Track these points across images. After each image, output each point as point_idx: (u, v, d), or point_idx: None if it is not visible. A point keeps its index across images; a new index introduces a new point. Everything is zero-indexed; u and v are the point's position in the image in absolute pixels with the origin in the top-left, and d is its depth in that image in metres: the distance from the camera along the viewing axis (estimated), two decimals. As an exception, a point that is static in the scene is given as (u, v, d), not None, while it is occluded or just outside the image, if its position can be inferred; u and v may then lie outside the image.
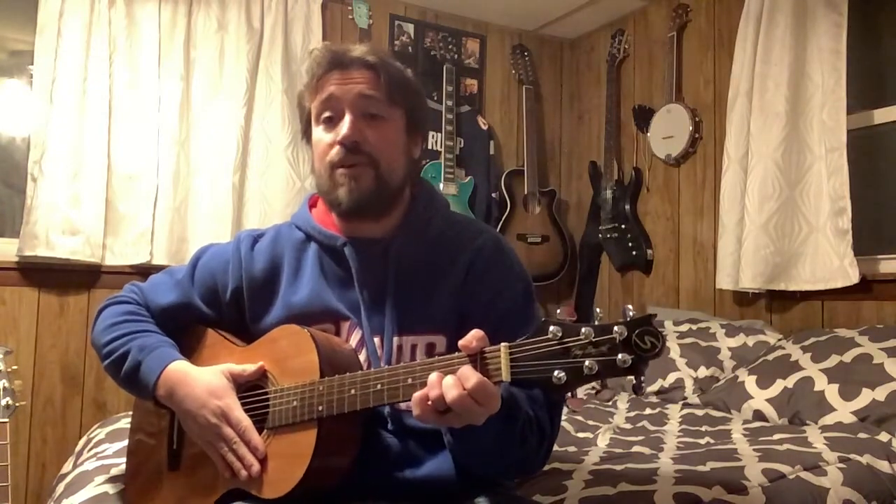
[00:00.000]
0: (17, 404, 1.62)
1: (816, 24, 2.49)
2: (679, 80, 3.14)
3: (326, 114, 1.16)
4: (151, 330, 1.21)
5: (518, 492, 1.31)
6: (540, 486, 1.37)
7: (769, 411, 2.11)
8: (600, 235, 3.36)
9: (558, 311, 0.87)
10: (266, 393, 1.11)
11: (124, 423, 1.65)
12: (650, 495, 1.32)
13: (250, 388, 1.13)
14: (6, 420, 1.60)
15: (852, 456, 1.62)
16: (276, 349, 1.13)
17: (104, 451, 1.62)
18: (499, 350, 0.89)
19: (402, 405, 1.07)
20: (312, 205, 1.29)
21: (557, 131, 3.80)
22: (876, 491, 1.54)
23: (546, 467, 1.42)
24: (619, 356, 0.80)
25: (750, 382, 2.23)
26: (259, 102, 2.98)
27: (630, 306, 0.85)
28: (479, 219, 3.32)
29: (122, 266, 2.74)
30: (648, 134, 3.23)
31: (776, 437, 1.81)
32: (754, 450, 1.66)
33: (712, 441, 1.84)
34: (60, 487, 1.50)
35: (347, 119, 1.14)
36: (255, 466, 1.05)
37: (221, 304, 1.25)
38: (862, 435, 1.77)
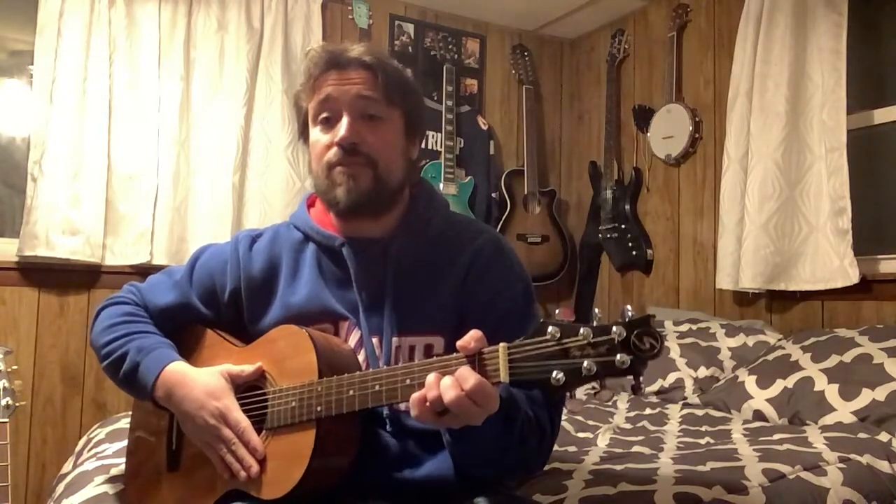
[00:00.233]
0: (17, 404, 1.62)
1: (816, 24, 2.49)
2: (679, 80, 3.14)
3: (324, 114, 1.16)
4: (150, 331, 1.21)
5: (518, 492, 1.31)
6: (540, 486, 1.37)
7: (769, 411, 2.11)
8: (600, 235, 3.36)
9: (557, 311, 0.87)
10: (265, 393, 1.11)
11: (124, 423, 1.65)
12: (650, 495, 1.32)
13: (249, 389, 1.13)
14: (6, 420, 1.60)
15: (852, 456, 1.62)
16: (274, 349, 1.13)
17: (104, 451, 1.62)
18: (497, 351, 0.89)
19: (401, 406, 1.07)
20: (311, 205, 1.29)
21: (557, 131, 3.80)
22: (876, 491, 1.54)
23: (546, 467, 1.42)
24: (618, 357, 0.80)
25: (750, 382, 2.23)
26: (259, 102, 2.98)
27: (629, 307, 0.85)
28: (479, 219, 3.32)
29: (122, 266, 2.74)
30: (648, 134, 3.23)
31: (776, 437, 1.81)
32: (754, 450, 1.66)
33: (712, 441, 1.84)
34: (60, 487, 1.50)
35: (345, 120, 1.14)
36: (255, 467, 1.05)
37: (220, 304, 1.25)
38: (862, 435, 1.77)
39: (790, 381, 2.12)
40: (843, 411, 1.94)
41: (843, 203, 2.36)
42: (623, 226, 3.29)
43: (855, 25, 2.45)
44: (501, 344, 0.89)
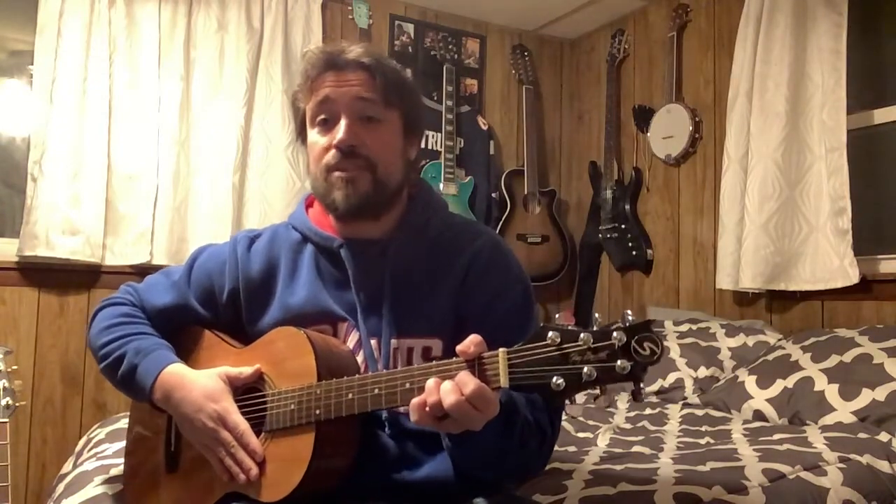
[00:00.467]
0: (17, 404, 1.63)
1: (816, 24, 2.49)
2: (679, 80, 3.14)
3: (322, 116, 1.16)
4: (147, 332, 1.21)
5: (517, 492, 1.31)
6: (540, 486, 1.37)
7: (769, 411, 2.11)
8: (600, 235, 3.36)
9: (557, 315, 0.88)
10: (263, 396, 1.10)
11: (124, 423, 1.65)
12: (650, 495, 1.32)
13: (247, 391, 1.13)
14: (6, 420, 1.60)
15: (852, 456, 1.62)
16: (273, 351, 1.12)
17: (104, 451, 1.62)
18: (497, 356, 0.89)
19: (400, 408, 1.07)
20: (309, 205, 1.28)
21: (557, 131, 3.80)
22: (876, 491, 1.54)
23: (546, 467, 1.42)
24: (618, 362, 0.80)
25: (750, 382, 2.23)
26: (259, 102, 2.98)
27: (629, 311, 0.85)
28: (479, 219, 3.32)
29: (122, 266, 2.74)
30: (648, 134, 3.23)
31: (776, 437, 1.81)
32: (754, 450, 1.66)
33: (712, 441, 1.84)
34: (60, 487, 1.50)
35: (343, 123, 1.13)
36: (254, 470, 1.04)
37: (218, 305, 1.24)
38: (862, 435, 1.77)
39: (790, 381, 2.12)
40: (843, 411, 1.94)
41: (843, 203, 2.36)
42: (623, 226, 3.29)
43: (855, 25, 2.45)
44: (501, 349, 0.89)
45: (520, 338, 0.88)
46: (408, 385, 0.95)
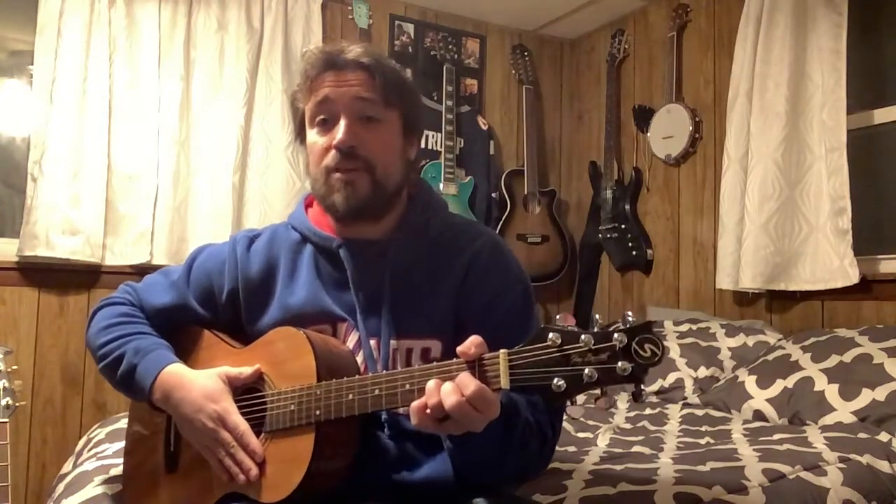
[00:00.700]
0: (17, 404, 1.63)
1: (816, 24, 2.49)
2: (679, 80, 3.14)
3: (321, 116, 1.15)
4: (147, 332, 1.21)
5: (517, 492, 1.31)
6: (540, 486, 1.37)
7: (769, 411, 2.11)
8: (600, 235, 3.36)
9: (557, 317, 0.88)
10: (263, 396, 1.10)
11: (124, 423, 1.65)
12: (650, 495, 1.32)
13: (247, 392, 1.13)
14: (6, 420, 1.60)
15: (852, 456, 1.62)
16: (272, 352, 1.12)
17: (104, 451, 1.62)
18: (498, 357, 0.89)
19: (400, 409, 1.07)
20: (309, 205, 1.28)
21: (557, 131, 3.80)
22: (876, 491, 1.54)
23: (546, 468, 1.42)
24: (619, 364, 0.80)
25: (750, 382, 2.23)
26: (259, 102, 2.98)
27: (630, 312, 0.85)
28: (479, 219, 3.32)
29: (122, 266, 2.74)
30: (648, 134, 3.23)
31: (776, 437, 1.81)
32: (754, 450, 1.66)
33: (712, 441, 1.84)
34: (60, 487, 1.50)
35: (343, 123, 1.13)
36: (254, 470, 1.04)
37: (217, 305, 1.24)
38: (862, 435, 1.77)
39: (790, 381, 2.12)
40: (843, 411, 1.94)
41: (843, 203, 2.36)
42: (623, 226, 3.29)
43: (855, 25, 2.45)
44: (502, 350, 0.89)
45: (520, 339, 0.88)
46: (408, 386, 0.95)
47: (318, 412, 1.02)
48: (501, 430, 0.97)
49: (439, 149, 3.32)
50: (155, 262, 2.74)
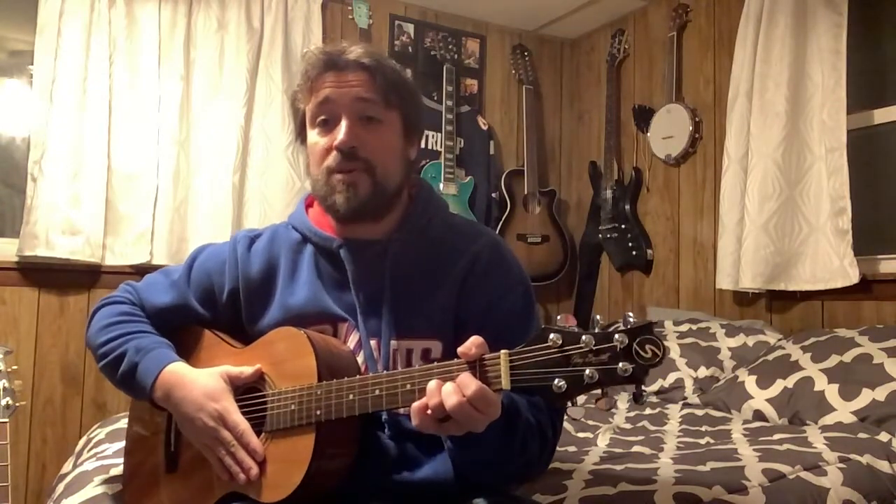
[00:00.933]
0: (17, 404, 1.62)
1: (816, 24, 2.49)
2: (679, 80, 3.14)
3: (322, 117, 1.15)
4: (148, 331, 1.21)
5: (517, 492, 1.31)
6: (540, 486, 1.37)
7: (769, 411, 2.11)
8: (600, 235, 3.36)
9: (558, 317, 0.88)
10: (264, 396, 1.10)
11: (124, 423, 1.65)
12: (650, 495, 1.32)
13: (248, 391, 1.13)
14: (6, 420, 1.60)
15: (852, 456, 1.62)
16: (273, 351, 1.12)
17: (104, 451, 1.62)
18: (498, 357, 0.89)
19: (400, 409, 1.07)
20: (309, 205, 1.28)
21: (557, 131, 3.80)
22: (876, 491, 1.54)
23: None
24: (620, 365, 0.80)
25: (750, 382, 2.23)
26: (259, 102, 2.98)
27: (630, 313, 0.85)
28: (479, 219, 3.33)
29: (122, 266, 2.74)
30: (648, 134, 3.23)
31: (776, 437, 1.81)
32: (754, 450, 1.66)
33: (712, 441, 1.84)
34: (60, 487, 1.50)
35: (344, 124, 1.13)
36: (254, 470, 1.04)
37: (218, 305, 1.24)
38: (862, 435, 1.77)
39: (790, 381, 2.12)
40: (843, 411, 1.94)
41: (843, 203, 2.36)
42: (623, 226, 3.29)
43: (855, 25, 2.45)
44: (503, 350, 0.89)
45: (521, 339, 0.88)
46: (408, 386, 0.95)
47: (318, 412, 1.02)
48: (502, 431, 0.97)
49: (439, 149, 3.32)
50: (155, 262, 2.74)
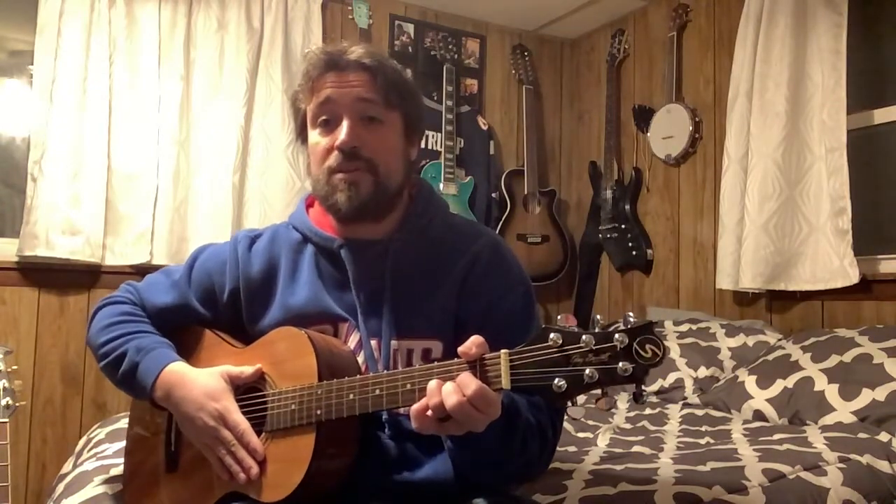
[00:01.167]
0: (17, 404, 1.62)
1: (816, 24, 2.49)
2: (679, 80, 3.14)
3: (323, 117, 1.16)
4: (148, 331, 1.21)
5: (517, 492, 1.31)
6: (540, 486, 1.37)
7: (769, 411, 2.11)
8: (600, 235, 3.36)
9: (559, 317, 0.88)
10: (264, 396, 1.10)
11: (124, 423, 1.65)
12: (650, 495, 1.32)
13: (248, 391, 1.13)
14: (6, 420, 1.60)
15: (852, 456, 1.62)
16: (274, 351, 1.12)
17: (104, 451, 1.62)
18: (499, 357, 0.89)
19: (401, 409, 1.07)
20: (309, 205, 1.28)
21: (557, 131, 3.80)
22: (876, 491, 1.54)
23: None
24: (620, 365, 0.80)
25: (750, 382, 2.23)
26: (259, 102, 2.98)
27: (631, 313, 0.85)
28: (479, 219, 3.33)
29: (122, 266, 2.74)
30: (648, 134, 3.23)
31: (776, 437, 1.81)
32: (754, 450, 1.67)
33: (712, 441, 1.84)
34: (60, 487, 1.50)
35: (345, 124, 1.13)
36: (254, 469, 1.04)
37: (218, 304, 1.24)
38: (862, 435, 1.77)
39: (790, 381, 2.12)
40: (843, 411, 1.94)
41: (843, 203, 2.36)
42: (623, 226, 3.29)
43: (855, 25, 2.45)
44: (503, 350, 0.89)
45: (521, 339, 0.88)
46: (409, 386, 0.95)
47: (318, 412, 1.02)
48: (502, 431, 0.97)
49: (439, 149, 3.32)
50: (155, 262, 2.74)
